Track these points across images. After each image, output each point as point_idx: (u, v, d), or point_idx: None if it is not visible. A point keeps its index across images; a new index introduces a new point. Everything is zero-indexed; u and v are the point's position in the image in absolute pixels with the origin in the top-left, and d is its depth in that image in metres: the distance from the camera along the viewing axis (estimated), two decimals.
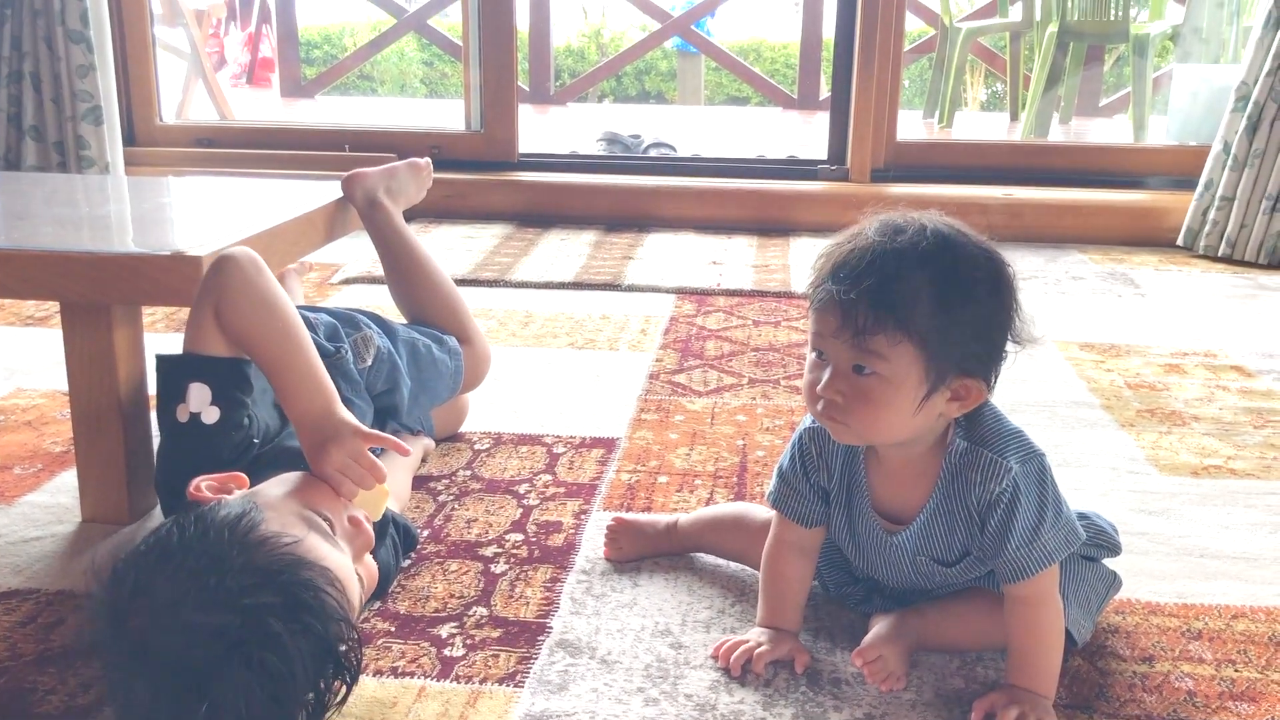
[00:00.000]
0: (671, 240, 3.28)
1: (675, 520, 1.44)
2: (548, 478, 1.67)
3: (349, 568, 1.16)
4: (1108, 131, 5.76)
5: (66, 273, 1.33)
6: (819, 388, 1.10)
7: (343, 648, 1.06)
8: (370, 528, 1.23)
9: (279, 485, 1.22)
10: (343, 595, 1.08)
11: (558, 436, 1.82)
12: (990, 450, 1.13)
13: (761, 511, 1.38)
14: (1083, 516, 1.26)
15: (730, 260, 3.04)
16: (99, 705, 1.11)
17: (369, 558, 1.25)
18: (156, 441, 1.39)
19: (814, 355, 1.12)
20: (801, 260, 3.04)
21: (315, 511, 1.18)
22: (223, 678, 0.97)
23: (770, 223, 3.44)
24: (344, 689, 1.08)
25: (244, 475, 1.23)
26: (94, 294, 1.34)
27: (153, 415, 1.50)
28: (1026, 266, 3.01)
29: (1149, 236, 3.33)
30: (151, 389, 1.52)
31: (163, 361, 1.33)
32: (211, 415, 1.28)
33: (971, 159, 3.61)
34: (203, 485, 1.20)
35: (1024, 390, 2.06)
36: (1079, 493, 1.59)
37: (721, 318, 2.53)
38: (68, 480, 1.60)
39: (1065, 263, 3.11)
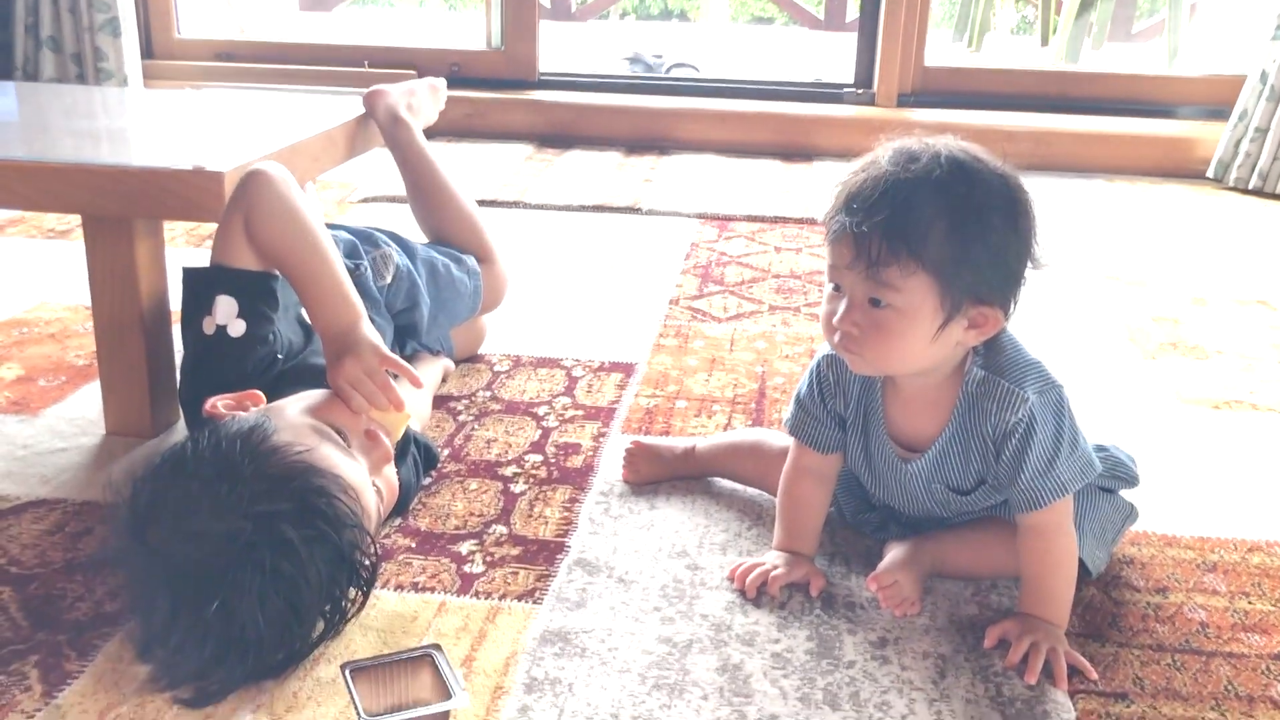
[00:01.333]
0: (693, 162, 3.25)
1: (693, 445, 1.45)
2: (566, 400, 1.67)
3: (364, 478, 1.17)
4: (1141, 59, 5.64)
5: (88, 186, 1.32)
6: (835, 320, 1.10)
7: (357, 555, 1.08)
8: (387, 442, 1.24)
9: (296, 401, 1.23)
10: (356, 503, 1.09)
11: (577, 360, 1.82)
12: (1007, 380, 1.12)
13: (779, 438, 1.38)
14: (1100, 448, 1.26)
15: (753, 184, 3.01)
16: (124, 614, 1.13)
17: (390, 472, 1.26)
18: (180, 356, 1.39)
19: (831, 287, 1.12)
20: (824, 185, 3.01)
21: (331, 425, 1.19)
22: (236, 583, 0.99)
23: (793, 147, 3.40)
24: (361, 598, 1.10)
25: (260, 393, 1.24)
26: (116, 208, 1.33)
27: (175, 330, 1.51)
28: (1053, 196, 2.97)
29: (1179, 168, 3.28)
30: (174, 304, 1.53)
31: (189, 274, 1.33)
32: (238, 328, 1.29)
33: (1001, 85, 3.54)
34: (219, 403, 1.21)
35: (1046, 320, 2.04)
36: (1098, 424, 1.59)
37: (743, 243, 2.52)
38: (91, 393, 1.62)
39: (1092, 193, 3.07)
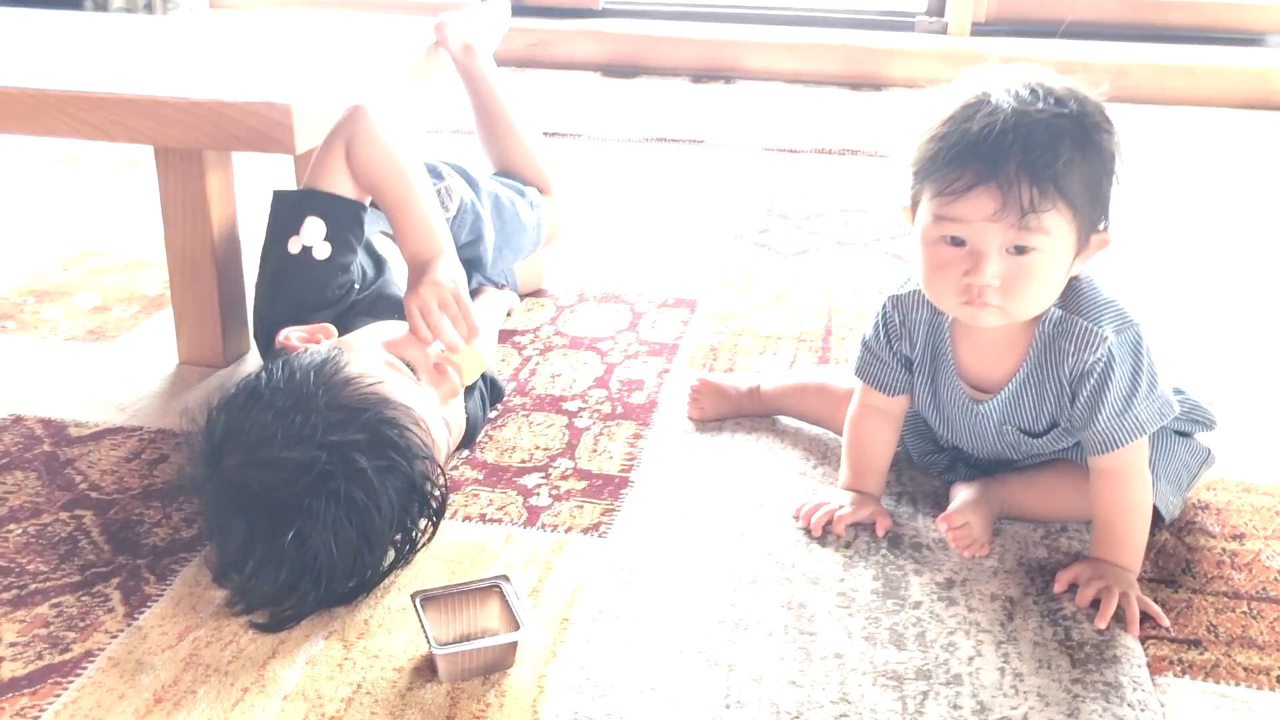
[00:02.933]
0: (760, 92, 3.19)
1: (758, 384, 1.44)
2: (630, 336, 1.67)
3: (434, 410, 1.18)
4: None
5: (158, 117, 1.33)
6: (978, 279, 1.03)
7: (427, 485, 1.09)
8: (456, 377, 1.24)
9: (367, 334, 1.24)
10: (427, 434, 1.11)
11: (640, 295, 1.81)
12: (1085, 319, 1.09)
13: (845, 378, 1.37)
14: (1178, 391, 1.23)
15: (821, 114, 2.95)
16: (201, 539, 1.16)
17: (457, 406, 1.27)
18: (253, 285, 1.40)
19: (946, 242, 1.05)
20: (894, 116, 2.94)
21: (401, 358, 1.20)
22: (310, 511, 1.01)
23: (862, 77, 3.32)
24: (431, 528, 1.12)
25: (331, 326, 1.25)
26: (185, 139, 1.34)
27: (246, 261, 1.52)
28: (1131, 130, 2.87)
29: (1265, 100, 3.15)
30: (245, 235, 1.55)
31: (280, 196, 1.34)
32: (323, 251, 1.30)
33: (1080, 12, 3.41)
34: (291, 335, 1.22)
35: (1124, 259, 1.99)
36: (1176, 365, 1.55)
37: (810, 176, 2.47)
38: (164, 323, 1.65)
39: (1172, 127, 2.96)
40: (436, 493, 1.11)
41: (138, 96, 1.33)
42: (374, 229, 1.45)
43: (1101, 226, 1.07)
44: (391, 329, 1.26)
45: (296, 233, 1.29)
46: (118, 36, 1.68)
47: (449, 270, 1.28)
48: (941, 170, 1.03)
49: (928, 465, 1.32)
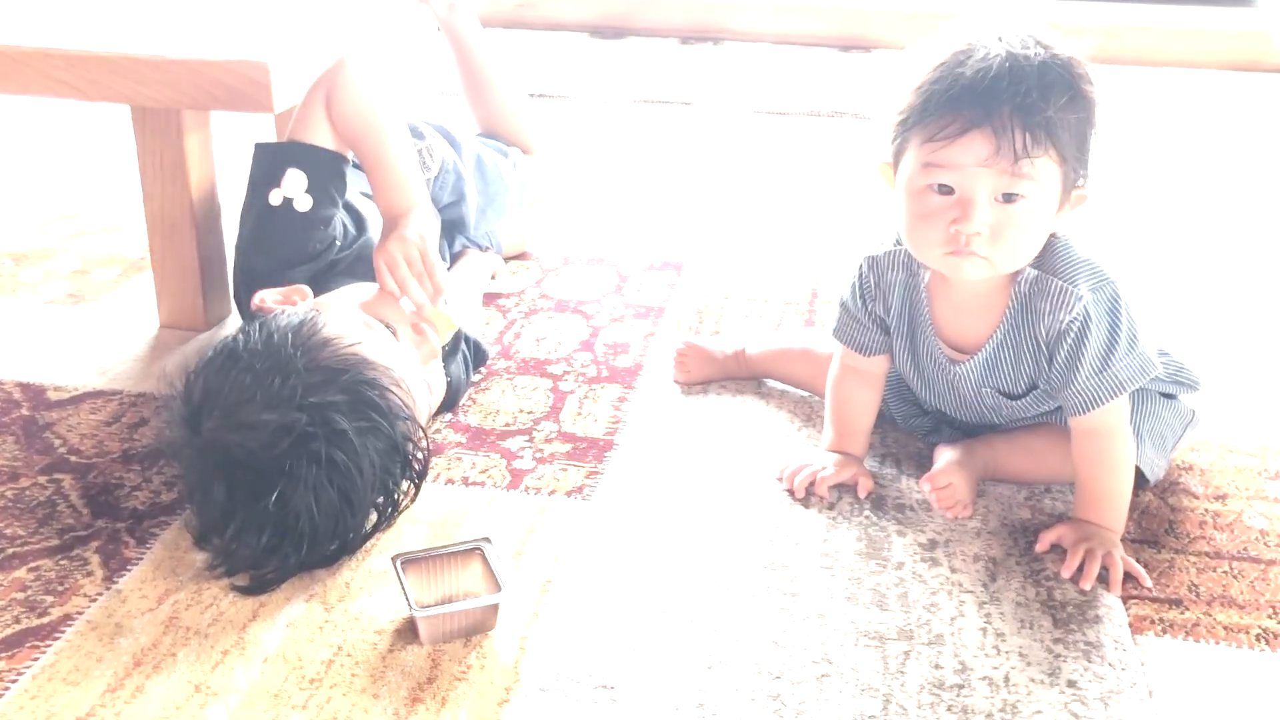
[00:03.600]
0: (748, 53, 3.16)
1: (743, 347, 1.43)
2: (617, 299, 1.66)
3: (414, 371, 1.17)
4: None
5: (134, 76, 1.31)
6: (966, 226, 1.02)
7: (409, 446, 1.08)
8: (435, 338, 1.23)
9: (344, 294, 1.23)
10: (408, 395, 1.10)
11: (626, 257, 1.80)
12: (1061, 279, 1.09)
13: (828, 342, 1.36)
14: (1161, 353, 1.22)
15: (809, 77, 2.93)
16: (181, 503, 1.15)
17: (437, 367, 1.26)
18: (233, 247, 1.39)
19: (933, 190, 1.04)
20: (883, 77, 2.92)
21: (379, 318, 1.19)
22: (291, 473, 1.00)
23: (852, 40, 3.29)
24: (413, 489, 1.11)
25: (306, 287, 1.24)
26: (163, 98, 1.32)
27: (226, 223, 1.51)
28: (1121, 92, 2.85)
29: (1254, 62, 3.13)
30: (225, 197, 1.53)
31: (261, 148, 1.33)
32: (304, 203, 1.29)
33: None
34: (267, 298, 1.20)
35: (1111, 220, 1.98)
36: (1160, 327, 1.55)
37: (797, 139, 2.45)
38: (144, 285, 1.63)
39: (1161, 89, 2.95)
40: (419, 454, 1.11)
41: (113, 55, 1.31)
42: (355, 189, 1.44)
43: (1080, 182, 1.06)
44: (369, 290, 1.25)
45: (278, 185, 1.28)
46: None
47: (418, 226, 1.26)
48: (932, 116, 1.02)
49: (912, 428, 1.31)
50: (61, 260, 1.75)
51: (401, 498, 1.11)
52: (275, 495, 1.00)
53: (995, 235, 1.03)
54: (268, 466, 1.01)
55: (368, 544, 1.10)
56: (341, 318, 1.15)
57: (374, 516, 1.09)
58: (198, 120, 1.45)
